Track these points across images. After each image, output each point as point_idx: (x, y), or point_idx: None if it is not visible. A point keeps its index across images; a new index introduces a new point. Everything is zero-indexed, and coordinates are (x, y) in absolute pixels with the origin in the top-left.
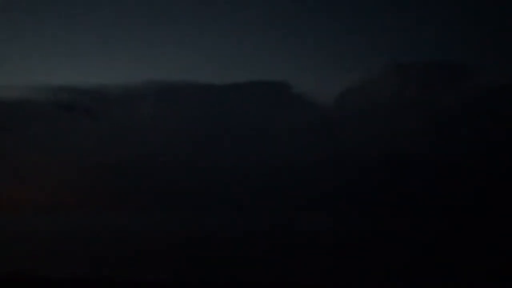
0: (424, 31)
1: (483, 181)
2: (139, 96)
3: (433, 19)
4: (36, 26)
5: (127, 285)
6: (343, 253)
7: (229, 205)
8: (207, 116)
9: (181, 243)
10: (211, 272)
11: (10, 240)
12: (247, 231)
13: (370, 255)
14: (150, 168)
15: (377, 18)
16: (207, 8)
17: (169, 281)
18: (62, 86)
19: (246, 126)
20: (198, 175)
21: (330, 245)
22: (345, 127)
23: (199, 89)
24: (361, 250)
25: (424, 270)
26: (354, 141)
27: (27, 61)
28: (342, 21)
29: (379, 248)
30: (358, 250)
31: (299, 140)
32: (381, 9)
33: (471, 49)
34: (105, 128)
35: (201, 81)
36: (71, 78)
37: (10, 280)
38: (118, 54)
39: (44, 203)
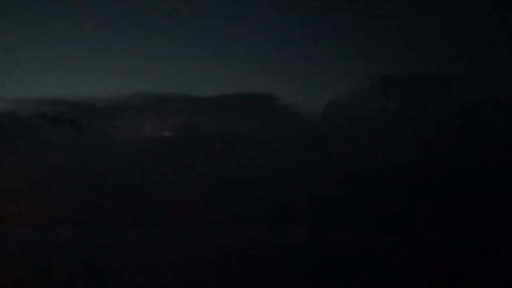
0: (409, 43)
1: (469, 194)
2: (126, 108)
3: (418, 31)
4: (20, 40)
5: None
6: (330, 268)
7: (215, 217)
8: (193, 128)
9: (169, 257)
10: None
11: None
12: (232, 244)
13: (360, 270)
14: (137, 180)
15: (363, 29)
16: (193, 21)
17: None
18: (47, 98)
19: (233, 138)
20: (185, 187)
21: (315, 259)
22: (332, 139)
23: (186, 102)
24: (350, 264)
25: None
26: (340, 153)
27: (12, 74)
28: (328, 33)
29: (367, 262)
30: (346, 264)
31: (286, 152)
32: (367, 21)
33: (457, 61)
34: (91, 141)
35: (187, 93)
36: (57, 91)
37: None
38: (104, 67)
39: (30, 216)
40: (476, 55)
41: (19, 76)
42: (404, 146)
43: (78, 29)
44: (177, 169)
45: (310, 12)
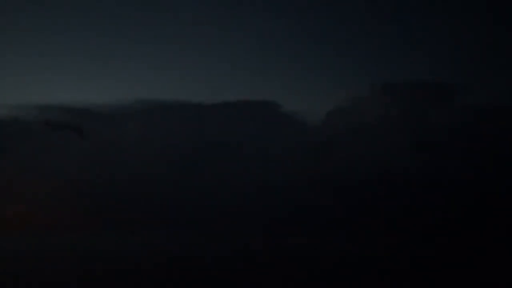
0: (411, 51)
1: (471, 202)
2: (128, 115)
3: (420, 39)
4: (23, 45)
5: None
6: (331, 277)
7: (217, 225)
8: (196, 135)
9: (169, 263)
10: None
11: None
12: (233, 253)
13: (359, 279)
14: (140, 187)
15: (365, 37)
16: (196, 28)
17: None
18: (50, 104)
19: (235, 145)
20: (187, 194)
21: (317, 268)
22: (334, 146)
23: (189, 108)
24: (350, 273)
25: None
26: (342, 160)
27: (15, 80)
28: (330, 41)
29: (369, 272)
30: (346, 274)
31: (288, 159)
32: (368, 28)
33: (459, 69)
34: (94, 147)
35: (190, 100)
36: (60, 97)
37: None
38: (107, 73)
39: (33, 222)
40: (478, 63)
41: (22, 82)
42: (406, 154)
43: (81, 36)
44: (179, 175)
45: (312, 20)
